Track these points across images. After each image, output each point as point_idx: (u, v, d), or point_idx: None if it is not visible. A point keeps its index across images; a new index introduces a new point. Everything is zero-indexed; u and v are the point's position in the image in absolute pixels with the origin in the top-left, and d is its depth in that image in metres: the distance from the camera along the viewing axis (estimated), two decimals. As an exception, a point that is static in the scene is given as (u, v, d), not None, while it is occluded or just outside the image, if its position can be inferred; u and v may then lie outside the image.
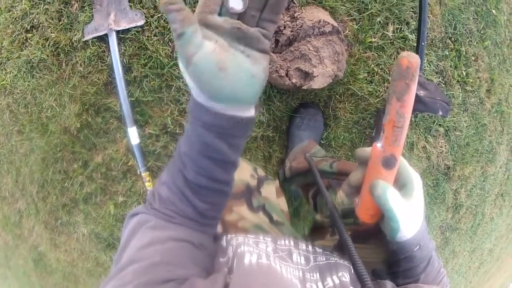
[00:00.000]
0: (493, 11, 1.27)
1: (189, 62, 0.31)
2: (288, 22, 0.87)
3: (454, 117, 1.27)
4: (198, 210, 0.37)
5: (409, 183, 0.36)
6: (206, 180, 0.36)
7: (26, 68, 1.07)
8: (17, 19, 1.04)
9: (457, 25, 1.18)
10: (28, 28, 1.03)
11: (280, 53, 0.85)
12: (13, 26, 1.05)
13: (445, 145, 1.30)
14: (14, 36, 1.05)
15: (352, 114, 1.04)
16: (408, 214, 0.35)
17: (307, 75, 0.84)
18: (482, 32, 1.25)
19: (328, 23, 0.86)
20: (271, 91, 0.99)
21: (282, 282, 0.33)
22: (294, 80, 0.83)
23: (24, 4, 1.00)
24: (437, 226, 1.50)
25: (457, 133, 1.29)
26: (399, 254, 0.38)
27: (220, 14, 0.33)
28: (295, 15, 0.88)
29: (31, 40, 1.04)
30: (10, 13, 1.04)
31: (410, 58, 0.31)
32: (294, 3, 0.93)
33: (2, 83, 1.12)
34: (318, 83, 0.84)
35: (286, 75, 0.83)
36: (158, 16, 0.94)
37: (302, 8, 0.92)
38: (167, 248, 0.34)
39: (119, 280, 0.30)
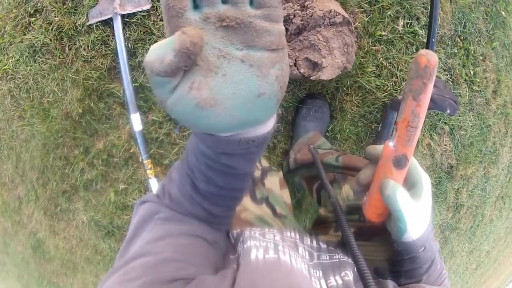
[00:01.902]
0: (503, 12, 1.26)
1: (163, 106, 0.24)
2: (298, 11, 0.85)
3: (459, 116, 1.26)
4: (209, 212, 0.35)
5: (418, 184, 0.36)
6: (217, 189, 0.33)
7: (28, 53, 1.05)
8: (20, 3, 1.02)
9: (467, 23, 1.17)
10: (32, 12, 1.02)
11: (289, 42, 0.84)
12: (16, 10, 1.03)
13: (450, 144, 1.29)
14: (17, 21, 1.04)
15: (359, 108, 1.03)
16: (416, 215, 0.34)
17: (315, 66, 0.83)
18: (491, 32, 1.24)
19: (339, 13, 0.84)
20: None
21: (292, 274, 0.31)
22: (302, 70, 0.81)
23: None
24: (437, 224, 1.50)
25: (462, 132, 1.29)
26: (403, 255, 0.37)
27: (197, 7, 0.23)
28: (306, 4, 0.87)
29: (34, 24, 1.02)
30: None
31: (429, 57, 0.29)
32: (304, -8, 0.91)
33: (4, 68, 1.10)
34: (326, 74, 0.83)
35: (295, 64, 0.82)
36: None
37: (313, -3, 0.90)
38: (179, 243, 0.32)
39: (126, 274, 0.28)
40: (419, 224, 0.35)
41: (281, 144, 1.06)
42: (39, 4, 1.01)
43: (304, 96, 0.99)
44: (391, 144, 0.34)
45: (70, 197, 1.22)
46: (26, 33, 1.04)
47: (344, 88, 1.00)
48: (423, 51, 0.30)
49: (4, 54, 1.10)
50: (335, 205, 0.43)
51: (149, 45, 0.95)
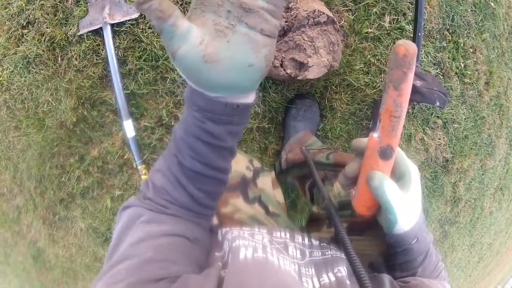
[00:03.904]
0: (492, 3, 1.26)
1: (173, 57, 0.30)
2: (282, 13, 0.86)
3: (452, 109, 1.27)
4: (193, 198, 0.36)
5: (406, 174, 0.36)
6: (202, 166, 0.35)
7: (22, 64, 1.07)
8: (13, 15, 1.04)
9: (455, 16, 1.17)
10: (24, 24, 1.04)
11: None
12: (9, 22, 1.05)
13: (444, 138, 1.29)
14: (11, 33, 1.06)
15: (348, 105, 1.04)
16: (405, 206, 0.35)
17: (302, 66, 0.84)
18: (480, 24, 1.24)
19: (323, 13, 0.85)
20: (266, 82, 0.98)
21: (279, 274, 0.32)
22: (289, 71, 0.82)
23: (20, 0, 1.01)
24: (436, 219, 1.50)
25: (455, 125, 1.29)
26: (396, 247, 0.37)
27: None
28: (290, 5, 0.88)
29: (27, 36, 1.04)
30: (7, 10, 1.04)
31: (407, 46, 0.30)
32: (289, -7, 0.92)
33: None
34: (313, 73, 0.84)
35: (281, 65, 0.83)
36: None
37: (297, -2, 0.91)
38: (160, 243, 0.32)
39: (111, 277, 0.29)
40: (410, 215, 0.35)
41: (273, 145, 1.07)
42: (31, 16, 1.02)
43: (293, 96, 0.99)
44: (375, 135, 0.34)
45: (67, 205, 1.24)
46: (20, 44, 1.06)
47: (333, 87, 1.01)
48: (401, 41, 0.30)
49: None
50: (327, 201, 0.44)
51: (138, 53, 0.96)
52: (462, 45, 1.21)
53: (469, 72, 1.26)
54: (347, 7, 0.99)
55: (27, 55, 1.05)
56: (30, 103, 1.12)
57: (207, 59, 0.29)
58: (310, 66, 0.83)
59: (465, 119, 1.31)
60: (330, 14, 0.90)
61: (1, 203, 1.46)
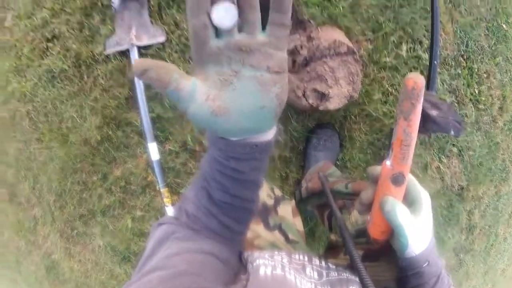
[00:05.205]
0: (504, 25, 1.27)
1: (185, 115, 0.30)
2: (304, 42, 0.89)
3: (467, 137, 1.27)
4: (224, 224, 0.38)
5: (418, 200, 0.38)
6: (231, 197, 0.36)
7: (46, 77, 1.08)
8: (37, 27, 1.03)
9: (469, 42, 1.18)
10: (49, 37, 1.04)
11: (297, 73, 0.88)
12: (33, 33, 1.05)
13: (459, 165, 1.29)
14: (35, 44, 1.06)
15: (367, 135, 1.05)
16: (417, 230, 0.36)
17: (323, 96, 0.86)
18: (493, 48, 1.24)
19: (344, 43, 0.88)
20: (289, 111, 1.00)
21: None
22: (310, 101, 0.85)
23: (44, 12, 1.01)
24: (451, 247, 1.47)
25: (470, 152, 1.29)
26: (408, 270, 0.38)
27: (217, 37, 0.28)
28: (312, 35, 0.91)
29: (52, 50, 1.04)
30: (30, 20, 1.04)
31: (415, 79, 0.32)
32: (310, 23, 0.95)
33: (22, 90, 1.12)
34: (333, 104, 0.86)
35: (303, 95, 0.85)
36: (179, 34, 0.96)
37: (319, 28, 0.95)
38: (194, 259, 0.34)
39: (142, 285, 0.30)
40: (421, 239, 0.37)
41: (293, 174, 1.08)
42: (56, 30, 1.02)
43: (314, 126, 1.02)
44: (388, 163, 0.37)
45: (87, 221, 1.24)
46: (44, 57, 1.06)
47: (352, 117, 1.03)
48: (410, 74, 0.33)
49: (22, 76, 1.12)
50: (341, 225, 0.45)
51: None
52: (476, 70, 1.21)
53: (483, 98, 1.26)
54: (366, 36, 1.01)
55: (52, 69, 1.05)
56: (54, 117, 1.13)
57: (217, 113, 0.29)
58: (331, 97, 0.85)
59: (479, 146, 1.31)
60: (350, 44, 0.93)
61: (17, 211, 1.46)
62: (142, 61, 0.27)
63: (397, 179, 0.36)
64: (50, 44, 1.04)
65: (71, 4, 0.99)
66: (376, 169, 0.39)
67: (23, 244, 1.58)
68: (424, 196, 0.38)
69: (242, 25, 0.28)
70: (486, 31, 1.22)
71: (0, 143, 1.31)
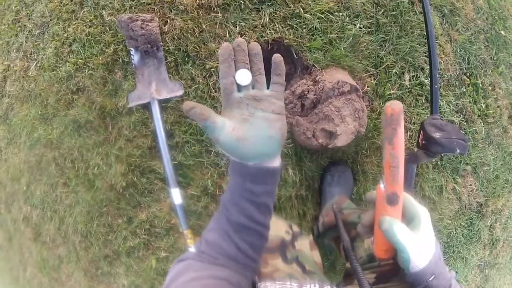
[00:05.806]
0: (502, 32, 1.28)
1: (217, 142, 0.43)
2: (311, 86, 0.95)
3: (480, 153, 1.26)
4: (239, 249, 0.44)
5: (416, 216, 0.41)
6: (245, 218, 0.44)
7: (72, 127, 1.14)
8: (61, 79, 1.09)
9: (470, 58, 1.19)
10: (74, 89, 1.09)
11: (307, 116, 0.93)
12: (58, 85, 1.11)
13: (475, 183, 1.28)
14: (60, 95, 1.10)
15: (379, 167, 1.07)
16: (417, 244, 0.39)
17: (331, 134, 0.91)
18: (495, 58, 1.25)
19: (346, 82, 0.94)
20: (302, 152, 1.04)
21: None
22: (320, 140, 0.90)
23: (68, 66, 1.06)
24: (475, 265, 1.43)
25: (485, 168, 1.28)
26: (415, 285, 0.40)
27: (239, 90, 0.44)
28: (317, 78, 0.97)
29: (77, 102, 1.10)
30: (54, 72, 1.09)
31: (392, 105, 0.37)
32: (315, 67, 1.02)
33: (48, 137, 1.19)
34: (342, 141, 0.90)
35: (313, 136, 0.90)
36: (196, 87, 1.04)
37: (323, 70, 1.01)
38: (207, 283, 0.40)
39: None
40: (423, 253, 0.39)
41: (310, 211, 1.11)
42: (80, 83, 1.07)
43: (327, 163, 1.06)
44: (381, 186, 0.40)
45: (112, 261, 1.28)
46: (70, 108, 1.12)
47: (363, 151, 1.06)
48: (388, 103, 0.37)
49: (48, 124, 1.18)
50: (347, 248, 0.50)
51: (184, 127, 1.05)
52: (481, 85, 1.22)
53: (491, 111, 1.26)
54: (368, 72, 1.06)
55: (77, 119, 1.11)
56: (80, 163, 1.18)
57: (239, 140, 0.42)
58: (338, 134, 0.90)
59: (493, 159, 1.30)
60: (353, 82, 0.99)
61: (41, 250, 1.48)
62: (190, 102, 0.42)
63: (392, 199, 0.40)
64: (75, 96, 1.11)
65: (93, 60, 1.06)
66: (372, 193, 0.43)
67: (46, 281, 1.58)
68: (422, 212, 0.41)
69: (254, 83, 0.44)
70: (486, 42, 1.24)
71: (26, 185, 1.37)
